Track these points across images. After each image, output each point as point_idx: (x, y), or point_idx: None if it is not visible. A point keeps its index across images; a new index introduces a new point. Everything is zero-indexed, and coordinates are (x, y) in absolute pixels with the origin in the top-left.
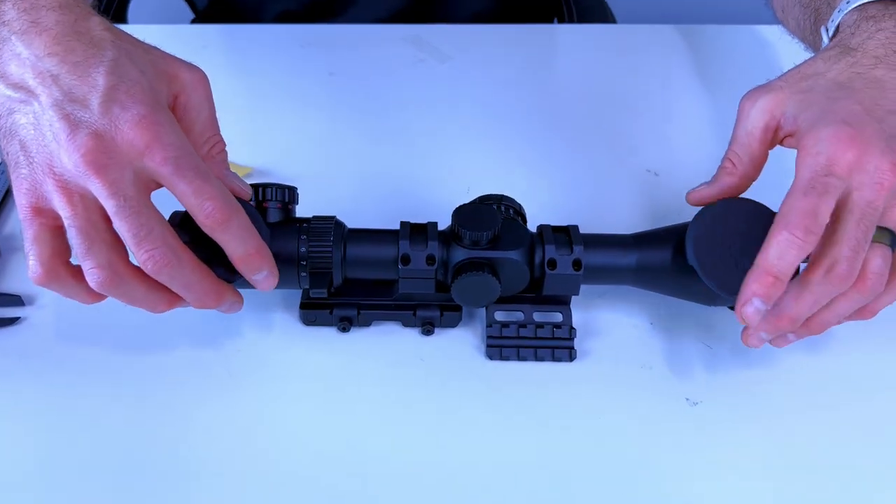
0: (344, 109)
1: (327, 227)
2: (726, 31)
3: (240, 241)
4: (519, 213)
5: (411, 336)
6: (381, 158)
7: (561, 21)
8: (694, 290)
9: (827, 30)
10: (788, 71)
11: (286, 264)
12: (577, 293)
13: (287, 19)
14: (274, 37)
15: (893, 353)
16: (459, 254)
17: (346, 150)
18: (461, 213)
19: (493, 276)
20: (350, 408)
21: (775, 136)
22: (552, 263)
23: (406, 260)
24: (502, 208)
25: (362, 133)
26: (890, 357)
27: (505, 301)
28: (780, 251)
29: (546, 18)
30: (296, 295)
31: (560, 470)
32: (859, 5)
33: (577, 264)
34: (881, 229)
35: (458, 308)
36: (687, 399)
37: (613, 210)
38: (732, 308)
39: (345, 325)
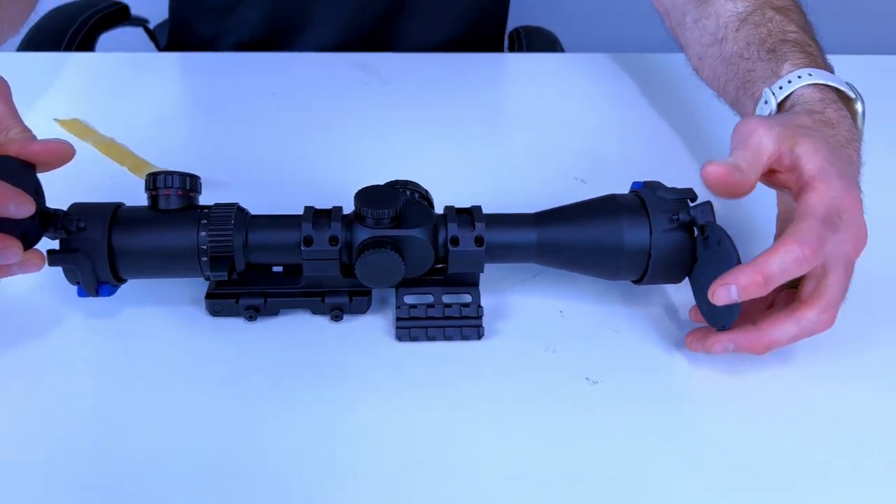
0: (284, 125)
1: (228, 212)
2: (658, 58)
3: None
4: (425, 197)
5: (321, 323)
6: (317, 168)
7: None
8: (596, 264)
9: (773, 93)
10: (782, 116)
11: (187, 251)
12: (481, 270)
13: (241, 50)
14: (226, 64)
15: None
16: (363, 234)
17: (283, 160)
18: (363, 194)
19: (396, 254)
20: (255, 397)
21: (769, 167)
22: (455, 241)
23: (309, 242)
24: (407, 192)
25: (300, 145)
26: None
27: (414, 284)
28: (784, 260)
29: (497, 51)
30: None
31: (463, 446)
32: (815, 85)
33: (479, 241)
34: None
35: (367, 293)
36: (587, 378)
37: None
38: (635, 282)
39: (251, 313)
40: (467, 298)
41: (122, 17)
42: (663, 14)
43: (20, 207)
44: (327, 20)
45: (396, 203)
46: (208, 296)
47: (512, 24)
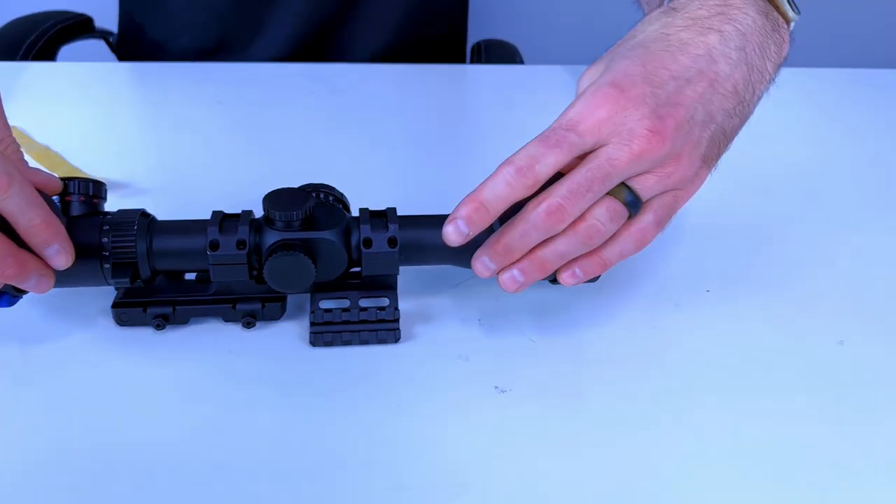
0: (226, 133)
1: (131, 218)
2: None
3: (24, 210)
4: (340, 200)
5: (232, 331)
6: (252, 175)
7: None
8: None
9: None
10: (617, 44)
11: (89, 257)
12: (395, 272)
13: (186, 57)
14: (174, 73)
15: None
16: (272, 237)
17: (220, 168)
18: (272, 196)
19: (305, 257)
20: (157, 409)
21: None
22: (367, 242)
23: (215, 246)
24: (321, 195)
25: (239, 153)
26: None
27: (330, 289)
28: (494, 183)
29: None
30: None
31: (373, 452)
32: None
33: (392, 242)
34: (621, 185)
35: (280, 299)
36: (496, 387)
37: None
38: (552, 282)
39: (159, 322)
40: (385, 302)
41: (85, 29)
42: None
43: (61, 255)
44: (278, 24)
45: (306, 205)
46: (115, 305)
47: (478, 37)
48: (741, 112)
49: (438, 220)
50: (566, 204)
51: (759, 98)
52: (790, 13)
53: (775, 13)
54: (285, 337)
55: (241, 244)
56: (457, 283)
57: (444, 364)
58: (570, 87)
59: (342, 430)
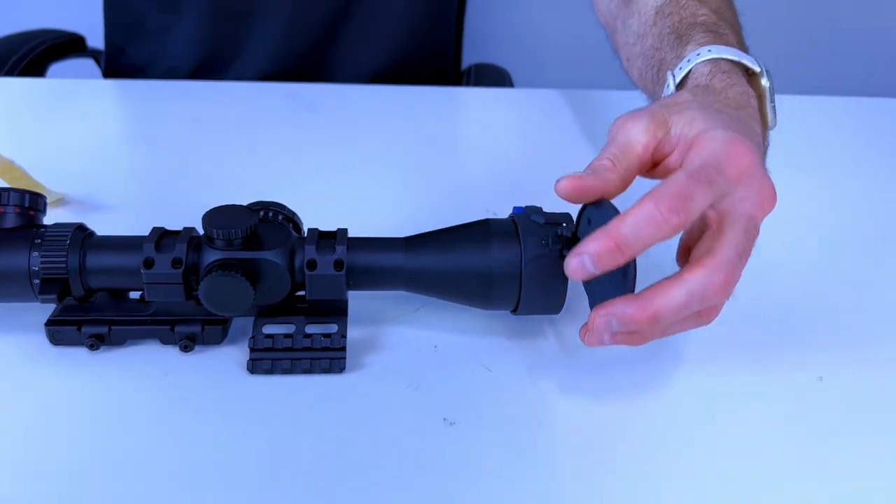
0: (198, 150)
1: (64, 232)
2: (603, 94)
3: None
4: (290, 219)
5: (169, 354)
6: (217, 193)
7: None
8: (466, 292)
9: (674, 75)
10: (657, 101)
11: (18, 272)
12: (342, 296)
13: (172, 75)
14: (155, 91)
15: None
16: (211, 256)
17: (187, 185)
18: (212, 213)
19: (242, 278)
20: (89, 430)
21: (650, 159)
22: (312, 264)
23: (149, 264)
24: (269, 213)
25: (208, 169)
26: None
27: (276, 313)
28: (636, 221)
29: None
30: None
31: (302, 487)
32: (712, 59)
33: (338, 265)
34: None
35: (222, 322)
36: (444, 419)
37: None
38: (513, 312)
39: (93, 342)
40: (333, 328)
41: (76, 47)
42: (606, 28)
43: None
44: (260, 45)
45: (248, 223)
46: (48, 322)
47: (470, 62)
48: None
49: (390, 243)
50: (732, 274)
51: None
52: (771, 121)
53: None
54: (225, 362)
55: (176, 262)
56: (416, 308)
57: (391, 394)
58: (560, 111)
59: (274, 462)
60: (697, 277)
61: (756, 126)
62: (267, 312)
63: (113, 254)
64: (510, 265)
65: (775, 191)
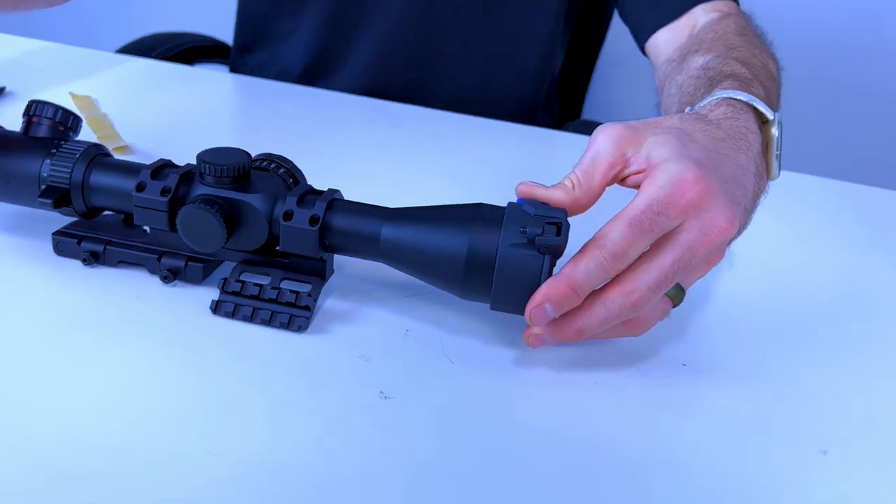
0: (262, 140)
1: (78, 147)
2: None
3: None
4: (292, 174)
5: (150, 283)
6: None
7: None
8: (439, 273)
9: (693, 108)
10: (644, 119)
11: (29, 176)
12: (315, 254)
13: (283, 77)
14: (249, 86)
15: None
16: (198, 190)
17: None
18: (208, 151)
19: (216, 214)
20: (41, 330)
21: (617, 174)
22: (288, 215)
23: (141, 188)
24: (272, 165)
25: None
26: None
27: (258, 264)
28: (588, 268)
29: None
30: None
31: (223, 437)
32: (725, 98)
33: (313, 220)
34: (677, 286)
35: (205, 262)
36: (381, 392)
37: None
38: (492, 307)
39: (86, 257)
40: (307, 288)
41: (218, 53)
42: (659, 95)
43: None
44: (362, 57)
45: (239, 163)
46: (55, 233)
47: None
48: (747, 222)
49: (373, 211)
50: (647, 299)
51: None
52: (774, 171)
53: (763, 164)
54: (195, 301)
55: (165, 191)
56: (405, 295)
57: (339, 361)
58: None
59: (204, 406)
60: (612, 297)
61: (741, 157)
62: (252, 262)
63: (115, 174)
64: (485, 250)
65: (730, 217)
